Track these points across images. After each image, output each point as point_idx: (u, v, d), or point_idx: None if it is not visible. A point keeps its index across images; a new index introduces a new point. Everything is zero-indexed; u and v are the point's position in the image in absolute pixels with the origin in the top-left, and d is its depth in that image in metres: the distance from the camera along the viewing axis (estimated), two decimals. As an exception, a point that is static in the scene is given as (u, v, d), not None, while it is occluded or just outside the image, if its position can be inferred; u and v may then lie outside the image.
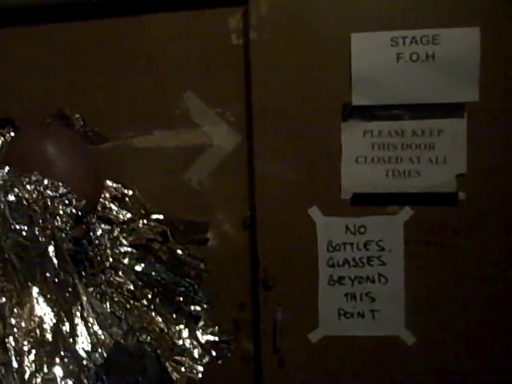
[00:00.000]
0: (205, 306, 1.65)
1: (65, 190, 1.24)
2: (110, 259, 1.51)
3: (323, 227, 1.79)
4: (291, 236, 1.80)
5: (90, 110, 1.81)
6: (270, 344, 1.86)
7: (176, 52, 1.83)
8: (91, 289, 1.46)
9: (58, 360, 1.08)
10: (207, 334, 1.61)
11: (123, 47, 1.83)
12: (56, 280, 1.12)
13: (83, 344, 1.11)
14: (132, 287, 1.53)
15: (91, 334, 1.13)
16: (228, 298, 1.84)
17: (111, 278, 1.51)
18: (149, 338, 1.49)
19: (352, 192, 1.77)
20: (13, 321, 1.08)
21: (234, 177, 1.85)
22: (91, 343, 1.12)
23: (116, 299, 1.48)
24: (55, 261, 1.13)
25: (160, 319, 1.54)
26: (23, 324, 1.08)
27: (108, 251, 1.52)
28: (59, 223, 1.22)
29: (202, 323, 1.63)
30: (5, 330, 1.06)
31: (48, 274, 1.12)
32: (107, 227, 1.55)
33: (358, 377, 1.84)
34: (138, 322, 1.48)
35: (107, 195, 1.63)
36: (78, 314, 1.13)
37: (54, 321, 1.09)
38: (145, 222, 1.60)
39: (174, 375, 1.52)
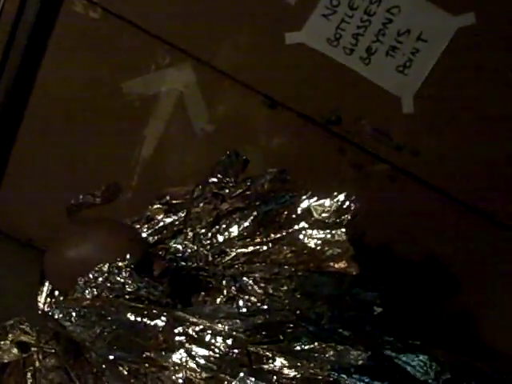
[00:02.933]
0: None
1: (106, 266, 1.23)
2: (208, 253, 1.44)
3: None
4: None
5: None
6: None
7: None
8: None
9: None
10: None
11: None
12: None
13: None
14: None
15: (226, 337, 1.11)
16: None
17: (236, 266, 1.42)
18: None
19: None
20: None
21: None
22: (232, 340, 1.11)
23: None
24: (135, 318, 1.15)
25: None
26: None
27: (204, 251, 1.46)
28: (128, 289, 1.21)
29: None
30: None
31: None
32: (181, 239, 1.49)
33: None
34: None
35: (160, 217, 1.56)
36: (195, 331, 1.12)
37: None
38: (200, 204, 1.50)
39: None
